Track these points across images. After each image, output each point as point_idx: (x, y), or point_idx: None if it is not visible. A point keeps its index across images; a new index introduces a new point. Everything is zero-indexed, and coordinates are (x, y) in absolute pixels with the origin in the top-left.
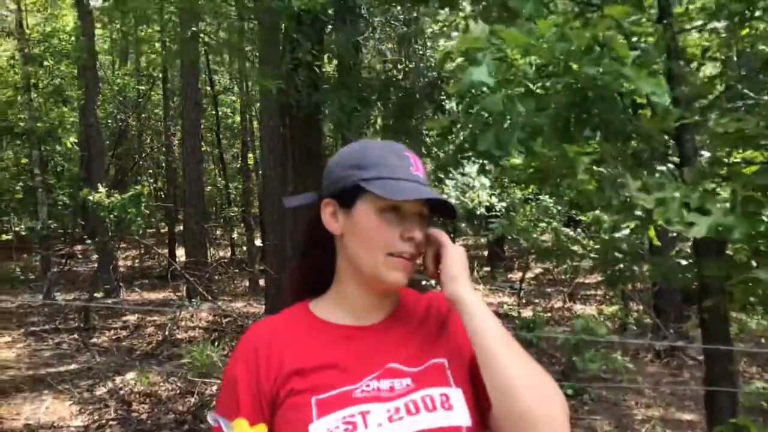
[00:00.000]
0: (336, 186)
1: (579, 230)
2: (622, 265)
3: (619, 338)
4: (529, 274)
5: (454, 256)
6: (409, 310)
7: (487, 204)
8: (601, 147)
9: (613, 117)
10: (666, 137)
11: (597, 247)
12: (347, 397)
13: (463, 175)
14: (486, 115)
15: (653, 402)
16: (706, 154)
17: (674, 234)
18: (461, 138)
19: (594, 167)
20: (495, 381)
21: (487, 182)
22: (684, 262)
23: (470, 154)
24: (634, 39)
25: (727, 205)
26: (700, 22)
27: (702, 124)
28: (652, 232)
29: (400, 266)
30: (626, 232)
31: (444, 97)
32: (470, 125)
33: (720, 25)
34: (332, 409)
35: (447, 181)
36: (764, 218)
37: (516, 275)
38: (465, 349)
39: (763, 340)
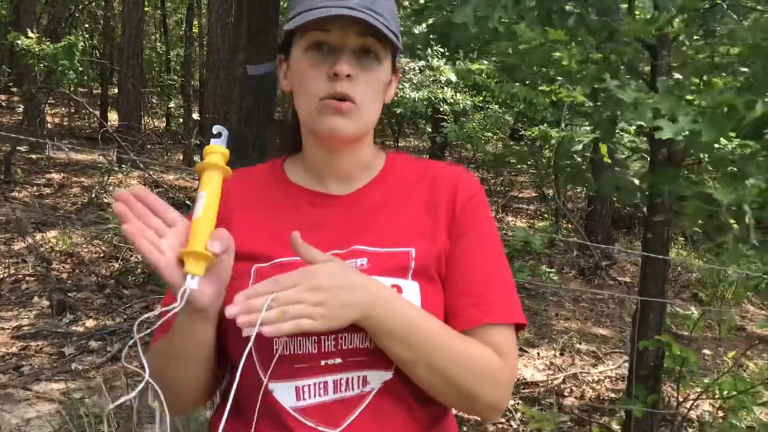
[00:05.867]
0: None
1: (522, 144)
2: (572, 169)
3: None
4: None
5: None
6: (392, 180)
7: (451, 101)
8: (583, 39)
9: (594, 15)
10: (643, 49)
11: (540, 160)
12: (288, 271)
13: (422, 70)
14: None
15: (572, 315)
16: (678, 76)
17: (623, 155)
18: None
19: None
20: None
21: (453, 77)
22: (636, 181)
23: (435, 40)
24: None
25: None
26: None
27: (678, 44)
28: (604, 150)
29: (333, 110)
30: (578, 147)
31: None
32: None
33: None
34: None
35: (409, 74)
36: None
37: None
38: (441, 244)
39: (694, 274)
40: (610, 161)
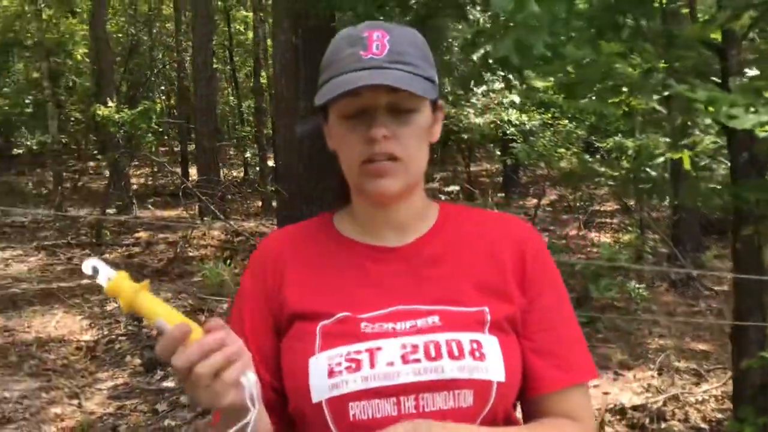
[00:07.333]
0: None
1: (598, 157)
2: (651, 185)
3: (647, 266)
4: (544, 201)
5: None
6: (449, 231)
7: (517, 122)
8: (641, 53)
9: (651, 23)
10: (709, 51)
11: (616, 174)
12: (356, 329)
13: (486, 94)
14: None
15: (667, 332)
16: (751, 72)
17: (705, 161)
18: (485, 50)
19: (630, 70)
20: None
21: (516, 99)
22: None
23: (495, 67)
24: None
25: None
26: None
27: (750, 38)
28: (686, 159)
29: (374, 173)
30: (660, 160)
31: (469, 4)
32: (496, 36)
33: None
34: (337, 342)
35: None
36: None
37: (531, 202)
38: (518, 302)
39: None
40: (693, 172)
